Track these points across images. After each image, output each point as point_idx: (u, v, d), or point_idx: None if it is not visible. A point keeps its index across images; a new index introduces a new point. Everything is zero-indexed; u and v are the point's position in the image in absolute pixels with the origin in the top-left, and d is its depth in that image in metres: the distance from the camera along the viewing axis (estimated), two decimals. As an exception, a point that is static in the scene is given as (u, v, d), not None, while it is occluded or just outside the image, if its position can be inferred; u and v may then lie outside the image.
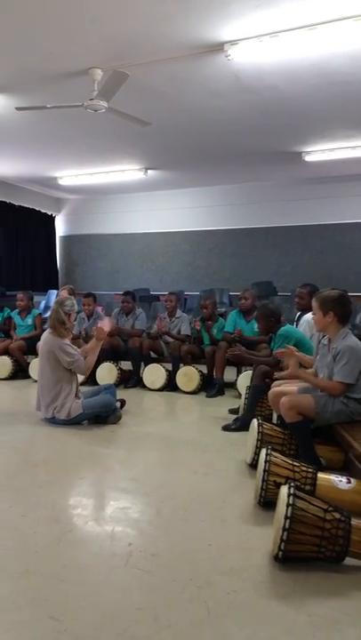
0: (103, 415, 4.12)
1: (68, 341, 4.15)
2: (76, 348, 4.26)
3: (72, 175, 8.53)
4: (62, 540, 2.21)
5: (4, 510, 2.50)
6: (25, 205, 9.65)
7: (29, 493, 2.73)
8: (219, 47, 4.19)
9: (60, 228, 10.72)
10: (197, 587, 1.88)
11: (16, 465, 3.21)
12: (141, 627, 1.66)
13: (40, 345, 4.29)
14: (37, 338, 6.28)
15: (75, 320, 4.64)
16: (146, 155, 7.34)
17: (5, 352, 6.21)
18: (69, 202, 10.62)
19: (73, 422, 4.03)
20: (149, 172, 8.12)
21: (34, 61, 4.46)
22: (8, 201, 9.25)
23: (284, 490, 2.06)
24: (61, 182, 8.87)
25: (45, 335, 4.24)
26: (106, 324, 4.34)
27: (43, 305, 9.00)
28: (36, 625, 1.66)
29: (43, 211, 10.18)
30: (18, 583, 1.88)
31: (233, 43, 4.11)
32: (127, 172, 8.12)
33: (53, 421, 4.07)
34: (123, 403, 4.47)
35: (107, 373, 5.48)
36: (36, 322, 6.51)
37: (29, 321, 6.51)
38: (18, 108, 4.87)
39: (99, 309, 6.51)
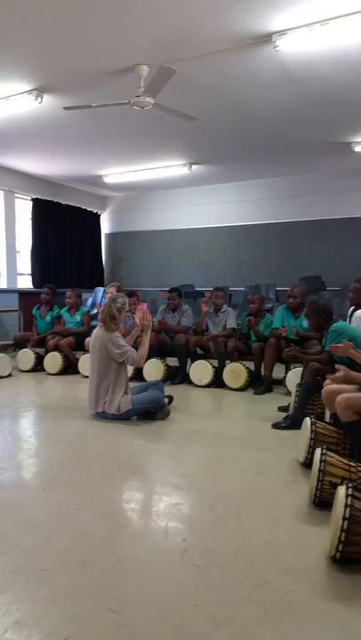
0: (152, 411, 4.16)
1: (118, 334, 4.21)
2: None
3: (117, 173, 8.62)
4: (118, 534, 2.25)
5: (61, 503, 2.57)
6: (71, 204, 9.82)
7: (84, 487, 2.79)
8: (266, 38, 4.12)
9: (105, 226, 10.86)
10: (254, 585, 1.87)
11: (70, 458, 3.29)
12: (199, 623, 1.67)
13: (91, 340, 4.36)
14: (86, 334, 6.43)
15: None
16: (191, 150, 7.32)
17: (55, 348, 6.37)
18: (114, 199, 10.75)
19: (122, 417, 4.08)
20: (194, 166, 8.10)
21: (81, 61, 4.52)
22: (55, 200, 9.44)
23: (341, 490, 2.01)
24: (107, 180, 8.97)
25: (96, 330, 4.31)
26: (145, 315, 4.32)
27: (90, 302, 9.16)
28: (97, 617, 1.69)
29: (88, 209, 10.34)
30: (77, 575, 1.93)
31: (281, 33, 4.03)
32: (171, 167, 8.13)
33: (103, 416, 4.14)
34: (170, 399, 4.49)
35: (153, 370, 5.53)
36: (84, 319, 6.64)
37: (78, 318, 6.64)
38: (66, 108, 4.95)
39: (143, 306, 6.57)
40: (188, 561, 2.03)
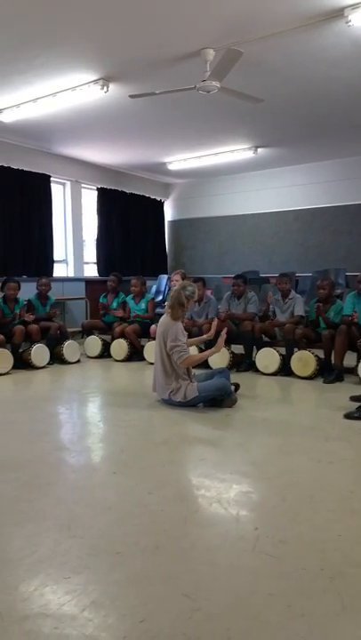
0: (218, 399, 4.14)
1: (181, 327, 4.21)
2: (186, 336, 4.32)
3: (181, 159, 8.59)
4: (189, 519, 2.25)
5: (132, 487, 2.61)
6: (135, 192, 9.91)
7: (153, 472, 2.82)
8: (338, 13, 3.92)
9: (169, 213, 10.88)
10: (330, 577, 1.82)
11: (138, 443, 3.34)
12: (274, 613, 1.64)
13: (157, 328, 4.40)
14: (151, 321, 6.50)
15: None
16: (256, 133, 7.16)
17: (122, 335, 6.48)
18: (178, 186, 10.74)
19: (189, 405, 4.09)
20: (260, 150, 7.92)
21: (146, 48, 4.50)
22: (120, 189, 9.56)
23: None
24: (170, 167, 8.97)
25: (163, 318, 4.33)
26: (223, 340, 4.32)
27: (154, 289, 9.24)
28: (171, 601, 1.70)
29: (152, 197, 10.40)
30: (150, 559, 1.95)
31: (354, 7, 3.83)
32: (236, 151, 8.00)
33: (169, 403, 4.17)
34: (237, 386, 4.45)
35: (218, 357, 5.49)
36: (149, 306, 6.71)
37: (143, 305, 6.72)
38: (131, 96, 4.97)
39: (208, 293, 6.54)
40: (261, 550, 2.00)
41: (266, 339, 5.74)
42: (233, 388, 4.33)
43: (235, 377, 4.85)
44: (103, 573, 1.86)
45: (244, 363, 5.63)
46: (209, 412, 4.02)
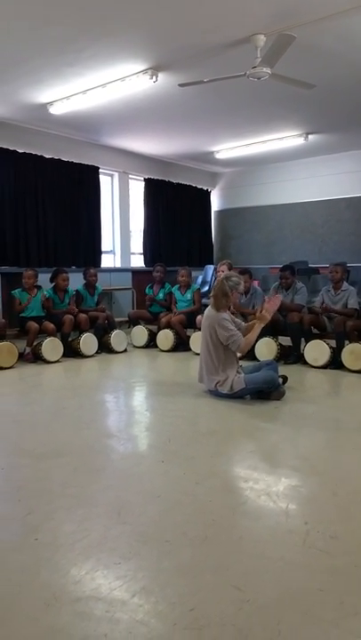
0: (265, 391, 4.10)
1: (227, 316, 4.18)
2: (237, 322, 4.29)
3: (228, 148, 8.49)
4: (237, 511, 2.25)
5: (180, 476, 2.62)
6: (182, 182, 9.89)
7: (201, 462, 2.82)
8: None
9: (215, 203, 10.80)
10: (384, 578, 1.77)
11: (185, 433, 3.35)
12: (326, 609, 1.61)
13: (202, 319, 4.38)
14: (197, 312, 6.49)
15: None
16: (307, 119, 6.98)
17: (168, 326, 6.51)
18: (225, 175, 10.63)
19: (235, 396, 4.07)
20: (310, 136, 7.72)
21: (195, 36, 4.45)
22: (167, 179, 9.56)
23: None
24: (218, 156, 8.88)
25: (207, 310, 4.31)
26: (276, 302, 4.24)
27: (200, 280, 9.22)
28: (220, 592, 1.70)
29: (198, 186, 10.34)
30: (198, 550, 1.95)
31: None
32: (286, 138, 7.82)
33: (216, 394, 4.16)
34: (285, 379, 4.39)
35: (266, 349, 5.43)
36: (195, 297, 6.70)
37: (189, 296, 6.72)
38: (181, 85, 4.93)
39: (255, 284, 6.46)
40: (312, 545, 1.97)
41: (315, 331, 5.62)
42: (281, 380, 4.27)
43: (282, 369, 4.78)
44: (153, 561, 1.88)
45: (292, 355, 5.54)
46: (257, 405, 3.98)
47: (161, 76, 5.24)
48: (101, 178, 8.38)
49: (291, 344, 5.61)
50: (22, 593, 1.70)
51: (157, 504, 2.32)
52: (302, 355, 5.42)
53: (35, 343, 5.78)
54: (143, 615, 1.59)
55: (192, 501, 2.34)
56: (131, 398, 4.47)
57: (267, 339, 5.44)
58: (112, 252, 8.96)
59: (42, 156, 7.42)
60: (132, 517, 2.20)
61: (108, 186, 8.78)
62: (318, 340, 5.33)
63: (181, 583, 1.75)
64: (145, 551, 1.94)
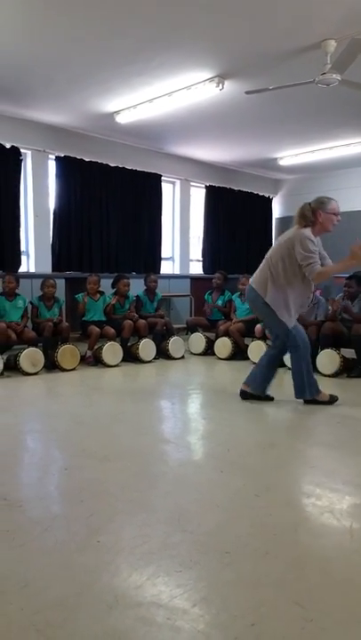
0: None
1: (311, 235, 3.74)
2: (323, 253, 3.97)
3: (292, 155, 8.39)
4: (299, 527, 2.19)
5: (239, 488, 2.59)
6: (243, 189, 9.85)
7: (261, 474, 2.78)
8: None
9: (277, 210, 10.68)
10: None
11: (243, 444, 3.31)
12: (395, 639, 1.54)
13: (262, 326, 4.22)
14: (256, 320, 6.42)
15: None
16: (375, 125, 6.80)
17: (226, 334, 6.48)
18: (287, 182, 10.50)
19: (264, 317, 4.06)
20: (378, 143, 7.52)
21: (264, 43, 4.44)
22: (228, 186, 9.56)
23: None
24: (281, 163, 8.80)
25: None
26: None
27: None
28: (283, 608, 1.66)
29: (260, 193, 10.27)
30: (259, 564, 1.92)
31: None
32: (353, 145, 7.63)
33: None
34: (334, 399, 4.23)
35: (328, 360, 5.30)
36: (255, 304, 6.64)
37: (248, 304, 6.66)
38: (248, 92, 4.92)
39: (318, 294, 6.32)
40: (379, 568, 1.89)
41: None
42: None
43: (345, 383, 4.64)
44: (213, 571, 1.86)
45: (356, 368, 5.36)
46: (319, 417, 3.88)
47: (227, 83, 5.26)
48: (163, 185, 8.50)
49: (355, 356, 5.43)
50: (85, 594, 1.72)
51: (217, 514, 2.31)
52: (367, 368, 5.24)
53: (95, 347, 5.92)
54: (204, 626, 1.57)
55: (252, 514, 2.31)
56: (188, 405, 4.47)
57: (329, 350, 5.31)
58: (171, 258, 9.04)
59: (107, 165, 7.62)
60: (191, 526, 2.19)
61: (169, 193, 8.89)
62: (384, 354, 5.13)
63: (242, 596, 1.73)
64: (205, 561, 1.93)
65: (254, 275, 4.04)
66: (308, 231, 3.75)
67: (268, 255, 3.98)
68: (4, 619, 1.60)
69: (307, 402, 4.12)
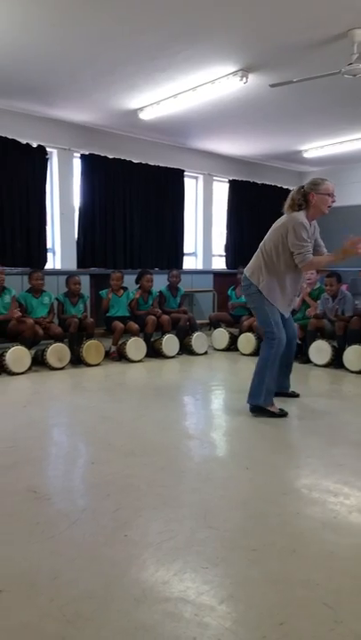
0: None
1: (305, 221, 3.58)
2: (319, 241, 3.88)
3: (317, 147, 8.27)
4: (327, 525, 2.17)
5: (265, 485, 2.58)
6: (267, 183, 9.75)
7: (287, 472, 2.77)
8: None
9: (301, 204, 10.55)
10: None
11: (271, 442, 3.29)
12: None
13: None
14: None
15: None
16: None
17: (250, 329, 6.45)
18: (312, 175, 10.28)
19: (253, 305, 3.91)
20: None
21: (289, 34, 4.37)
22: (251, 180, 9.47)
23: None
24: (306, 155, 8.68)
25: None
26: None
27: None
28: (311, 608, 1.65)
29: (284, 187, 10.12)
30: (287, 561, 1.91)
31: None
32: (380, 136, 7.50)
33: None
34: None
35: (356, 357, 5.22)
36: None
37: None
38: (272, 85, 4.87)
39: (343, 288, 6.23)
40: None
41: None
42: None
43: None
44: (240, 568, 1.86)
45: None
46: (346, 416, 3.84)
47: (251, 76, 5.20)
48: (186, 180, 8.47)
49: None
50: (114, 587, 1.74)
51: (243, 511, 2.30)
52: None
53: (120, 342, 5.95)
54: (232, 623, 1.57)
55: (279, 511, 2.30)
56: (211, 401, 4.47)
57: (357, 346, 5.24)
58: (194, 254, 9.03)
59: (130, 161, 7.63)
60: (217, 522, 2.19)
61: (192, 188, 8.86)
62: None
63: (270, 594, 1.72)
64: (232, 558, 1.93)
65: (249, 263, 3.84)
66: (301, 216, 3.58)
67: (262, 242, 3.81)
68: (36, 609, 1.63)
69: (254, 409, 3.78)
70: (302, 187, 3.73)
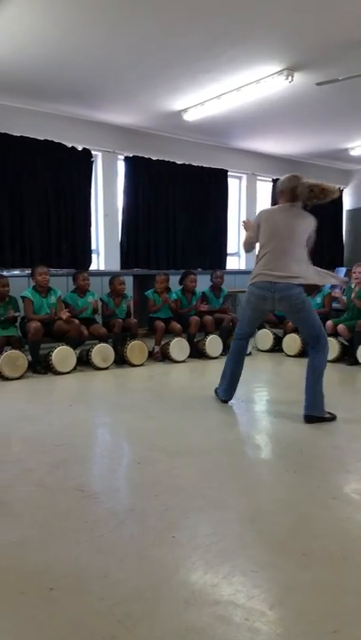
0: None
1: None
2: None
3: (364, 144, 8.08)
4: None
5: (315, 489, 2.53)
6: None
7: (337, 477, 2.73)
8: None
9: (348, 202, 10.31)
10: None
11: (319, 445, 3.22)
12: None
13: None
14: (327, 316, 6.25)
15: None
16: None
17: (295, 330, 6.35)
18: (359, 173, 10.12)
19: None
20: None
21: (335, 32, 4.28)
22: (295, 179, 9.33)
23: None
24: (353, 153, 8.48)
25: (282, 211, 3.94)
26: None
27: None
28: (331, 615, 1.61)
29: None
30: (338, 569, 1.87)
31: None
32: None
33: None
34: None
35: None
36: (325, 300, 6.47)
37: (318, 299, 6.49)
38: (318, 84, 4.78)
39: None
40: None
41: None
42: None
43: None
44: (290, 573, 1.83)
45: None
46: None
47: (297, 75, 5.13)
48: (229, 180, 8.43)
49: None
50: (163, 588, 1.75)
51: (292, 515, 2.27)
52: None
53: (163, 343, 5.98)
54: (283, 630, 1.55)
55: (329, 517, 2.25)
56: (256, 403, 4.42)
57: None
58: (237, 254, 8.97)
59: (173, 163, 7.66)
60: (266, 526, 2.17)
61: (235, 188, 8.81)
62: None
63: (321, 601, 1.69)
64: (281, 562, 1.90)
65: (281, 270, 3.67)
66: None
67: (286, 241, 3.73)
68: (86, 607, 1.66)
69: (310, 420, 3.62)
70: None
